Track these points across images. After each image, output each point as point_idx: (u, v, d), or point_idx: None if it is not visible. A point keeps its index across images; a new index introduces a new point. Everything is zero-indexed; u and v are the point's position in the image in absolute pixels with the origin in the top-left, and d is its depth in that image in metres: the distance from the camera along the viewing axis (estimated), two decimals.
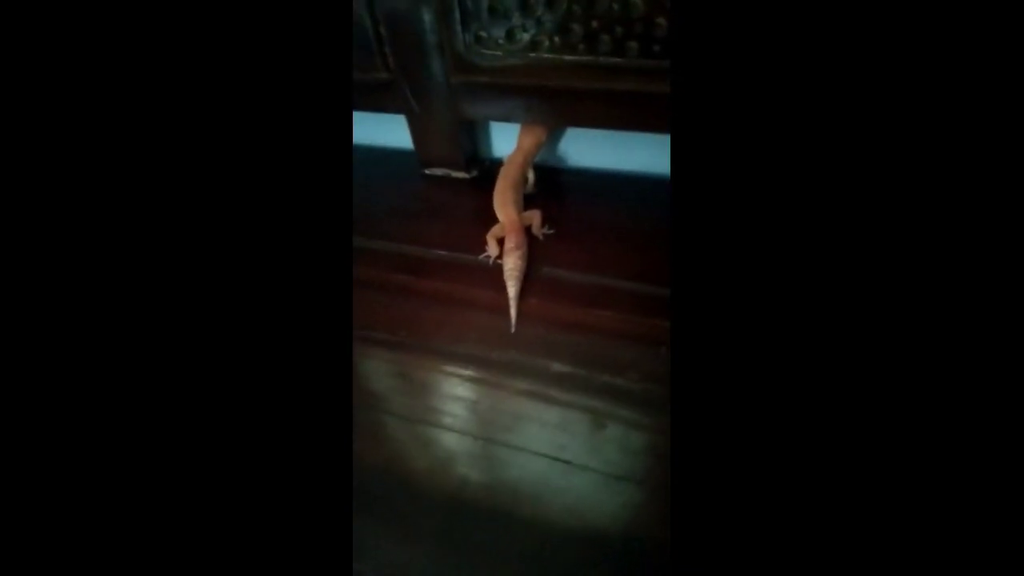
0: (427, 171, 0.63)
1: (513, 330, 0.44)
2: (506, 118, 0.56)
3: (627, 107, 0.48)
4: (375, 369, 0.43)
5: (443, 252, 0.53)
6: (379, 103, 0.59)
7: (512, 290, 0.46)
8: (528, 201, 0.55)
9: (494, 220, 0.53)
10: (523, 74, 0.50)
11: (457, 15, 0.48)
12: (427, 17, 0.49)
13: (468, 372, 0.41)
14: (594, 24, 0.44)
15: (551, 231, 0.53)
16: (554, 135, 0.59)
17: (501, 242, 0.50)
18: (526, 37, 0.47)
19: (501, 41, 0.48)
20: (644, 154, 0.60)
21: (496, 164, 0.64)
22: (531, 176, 0.57)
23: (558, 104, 0.51)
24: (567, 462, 0.35)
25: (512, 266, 0.47)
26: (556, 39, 0.46)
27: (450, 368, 0.42)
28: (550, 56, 0.48)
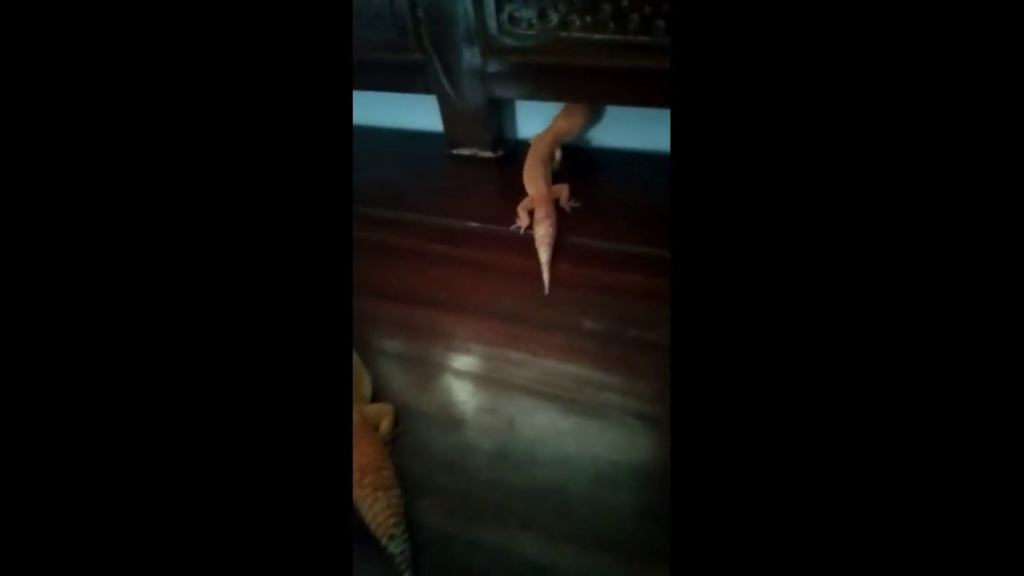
0: (455, 151, 0.66)
1: (547, 292, 0.47)
2: (535, 97, 0.59)
3: (654, 85, 0.50)
4: (418, 326, 0.45)
5: (475, 224, 0.56)
6: (411, 84, 0.61)
7: (544, 256, 0.48)
8: (554, 178, 0.58)
9: (522, 195, 0.56)
10: (553, 53, 0.53)
11: None
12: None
13: (505, 328, 0.44)
14: (624, 3, 0.47)
15: (577, 204, 0.55)
16: (586, 123, 0.62)
17: (531, 214, 0.53)
18: (557, 17, 0.50)
19: (533, 21, 0.51)
20: (666, 133, 0.62)
21: (521, 144, 0.67)
22: (558, 155, 0.60)
23: (586, 82, 0.54)
24: (603, 404, 0.38)
25: (543, 233, 0.49)
26: (586, 18, 0.49)
27: (488, 324, 0.45)
28: (580, 35, 0.50)
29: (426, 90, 0.62)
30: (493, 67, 0.56)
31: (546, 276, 0.48)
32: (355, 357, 0.40)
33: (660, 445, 0.35)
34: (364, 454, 0.34)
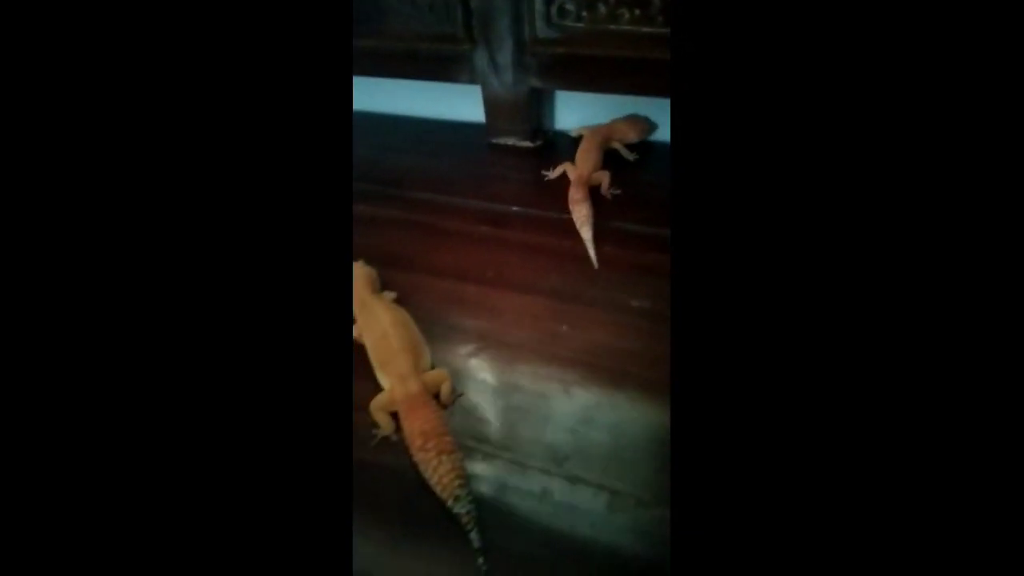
0: (494, 140, 0.68)
1: (596, 266, 0.49)
2: (580, 88, 0.61)
3: None
4: (469, 301, 0.47)
5: (517, 208, 0.58)
6: (457, 74, 0.63)
7: (587, 234, 0.51)
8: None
9: (560, 181, 0.58)
10: (600, 45, 0.54)
11: None
12: None
13: (553, 304, 0.46)
14: None
15: (618, 191, 0.57)
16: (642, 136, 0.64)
17: (566, 183, 0.56)
18: (606, 9, 0.52)
19: (582, 13, 0.53)
20: None
21: (559, 136, 0.69)
22: (631, 156, 0.62)
23: (631, 75, 0.55)
24: (655, 379, 0.39)
25: (584, 214, 0.52)
26: (635, 11, 0.51)
27: (537, 300, 0.46)
28: (628, 28, 0.52)
29: (471, 80, 0.64)
30: (539, 58, 0.58)
31: (592, 253, 0.50)
32: (414, 328, 0.42)
33: None
34: (426, 419, 0.35)
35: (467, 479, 0.34)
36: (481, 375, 0.41)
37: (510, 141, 0.67)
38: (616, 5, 0.51)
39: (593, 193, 0.55)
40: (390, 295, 0.46)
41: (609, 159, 0.61)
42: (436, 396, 0.38)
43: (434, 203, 0.59)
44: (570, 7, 0.53)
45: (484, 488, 0.34)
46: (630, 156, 0.61)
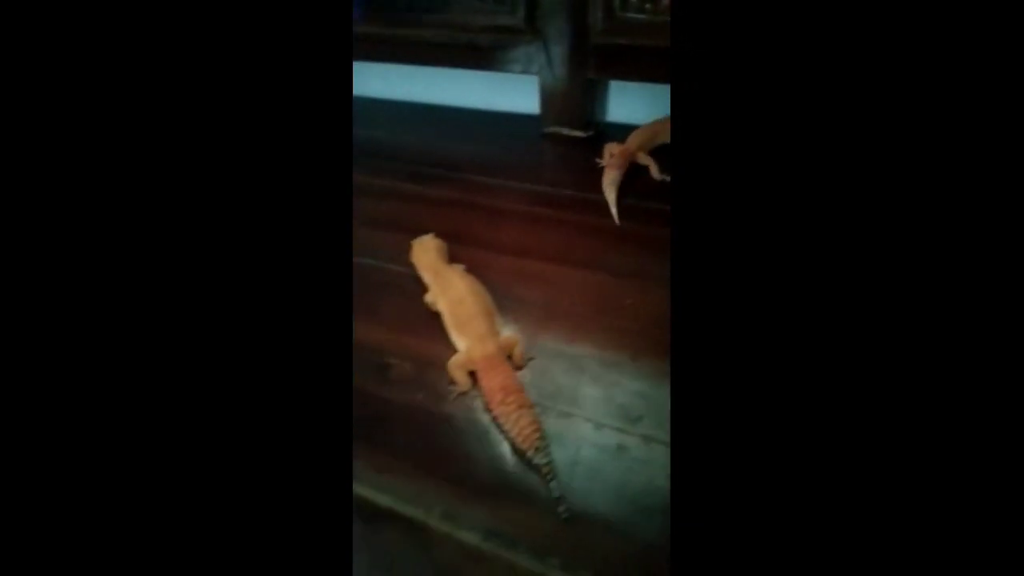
0: (546, 130, 0.70)
1: (617, 222, 0.54)
2: (638, 79, 0.63)
3: None
4: (533, 275, 0.49)
5: (573, 192, 0.59)
6: (515, 65, 0.66)
7: (611, 195, 0.55)
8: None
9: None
10: (662, 36, 0.56)
11: None
12: None
13: (613, 281, 0.48)
14: None
15: (667, 177, 0.59)
16: None
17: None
18: (669, 1, 0.54)
19: (646, 5, 0.55)
20: None
21: (611, 127, 0.71)
22: (655, 172, 0.62)
23: None
24: None
25: (612, 177, 0.56)
26: None
27: (596, 277, 0.48)
28: None
29: (527, 70, 0.66)
30: (598, 49, 0.60)
31: (614, 211, 0.54)
32: (487, 294, 0.44)
33: None
34: (505, 377, 0.37)
35: (544, 432, 0.35)
36: (549, 342, 0.43)
37: (563, 131, 0.69)
38: None
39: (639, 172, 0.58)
40: (459, 267, 0.48)
41: (659, 148, 0.63)
42: (508, 358, 0.40)
43: (492, 186, 0.61)
44: None
45: (561, 443, 0.36)
46: (660, 177, 0.59)
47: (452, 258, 0.50)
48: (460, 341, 0.41)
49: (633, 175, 0.58)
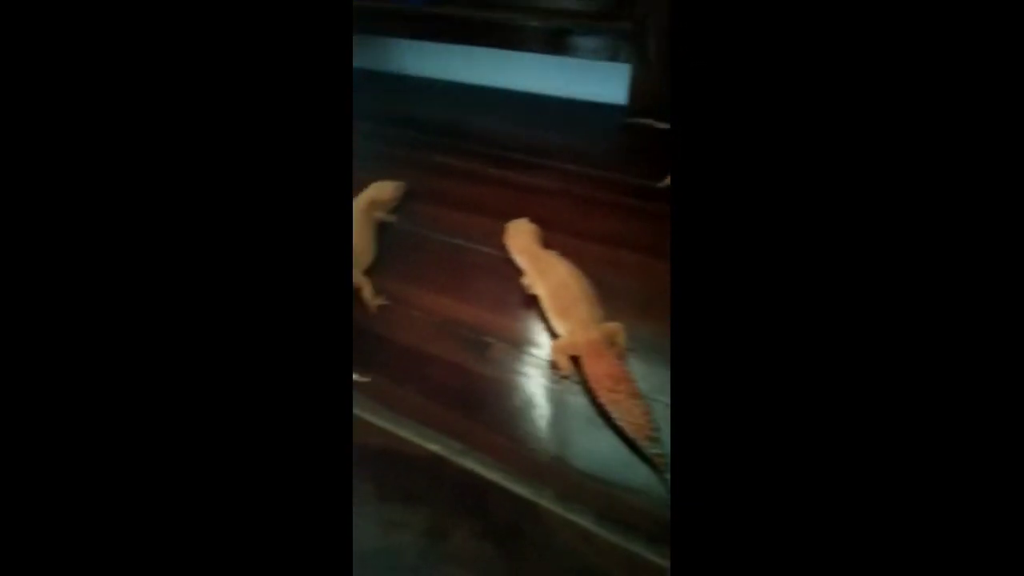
0: (631, 120, 0.69)
1: None
2: None
3: None
4: (627, 265, 0.48)
5: (664, 185, 0.58)
6: (609, 52, 0.65)
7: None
8: None
9: None
10: None
11: None
12: None
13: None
14: None
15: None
16: None
17: None
18: None
19: None
20: None
21: None
22: None
23: None
24: None
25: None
26: None
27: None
28: None
29: (615, 58, 0.65)
30: None
31: None
32: (586, 280, 0.43)
33: None
34: (611, 365, 0.37)
35: (657, 423, 0.34)
36: (647, 334, 0.42)
37: (648, 122, 0.68)
38: None
39: None
40: (552, 253, 0.48)
41: None
42: (611, 346, 0.40)
43: (581, 175, 0.61)
44: None
45: (668, 436, 0.35)
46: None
47: (545, 245, 0.50)
48: (561, 326, 0.41)
49: None
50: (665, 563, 0.29)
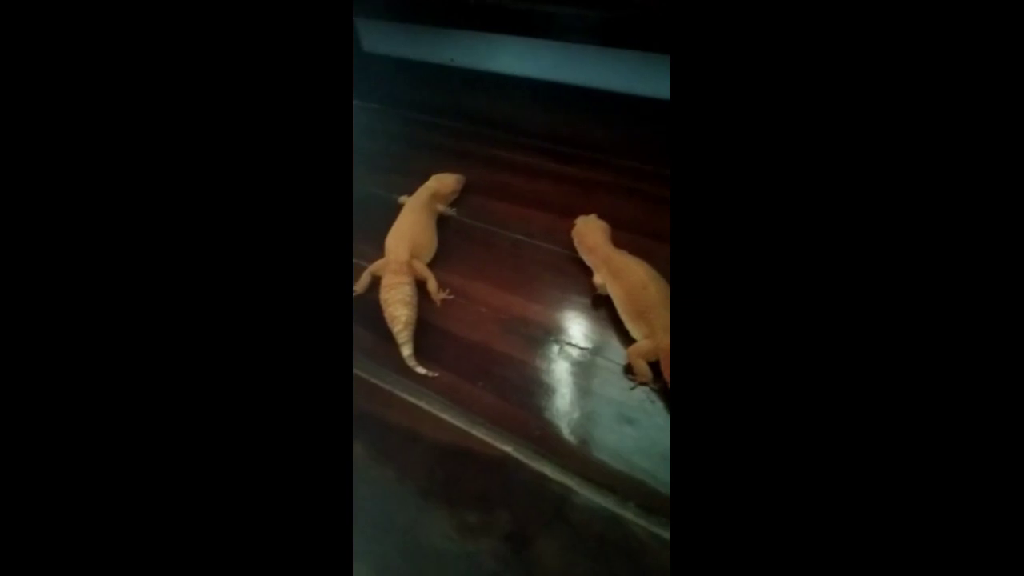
0: None
1: None
2: None
3: None
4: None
5: None
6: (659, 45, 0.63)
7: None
8: None
9: None
10: None
11: None
12: None
13: None
14: None
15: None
16: None
17: None
18: None
19: None
20: None
21: None
22: None
23: None
24: None
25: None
26: None
27: None
28: None
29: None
30: None
31: None
32: (664, 287, 0.41)
33: None
34: None
35: None
36: None
37: None
38: None
39: None
40: (624, 252, 0.46)
41: None
42: None
43: (643, 171, 0.59)
44: None
45: None
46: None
47: (613, 243, 0.48)
48: (638, 329, 0.39)
49: None
50: None
